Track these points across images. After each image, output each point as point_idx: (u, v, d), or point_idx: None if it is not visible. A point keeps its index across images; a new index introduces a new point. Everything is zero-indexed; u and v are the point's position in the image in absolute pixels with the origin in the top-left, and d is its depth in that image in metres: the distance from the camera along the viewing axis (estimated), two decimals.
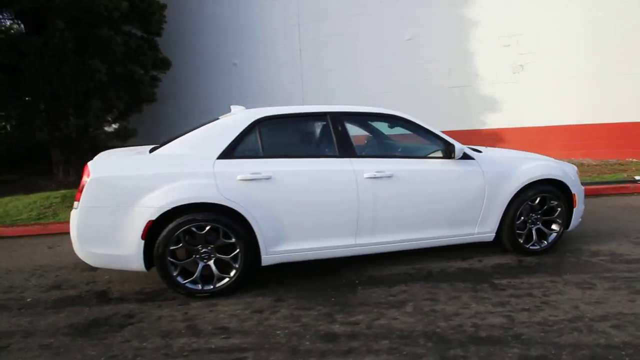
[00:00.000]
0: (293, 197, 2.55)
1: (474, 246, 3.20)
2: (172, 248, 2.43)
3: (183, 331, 2.17)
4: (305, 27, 8.16)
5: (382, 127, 3.35)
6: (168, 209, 2.34)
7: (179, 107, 8.78)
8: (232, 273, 2.53)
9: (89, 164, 2.45)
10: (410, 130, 2.95)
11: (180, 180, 2.41)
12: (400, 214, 2.76)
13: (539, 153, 3.54)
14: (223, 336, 2.11)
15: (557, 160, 3.32)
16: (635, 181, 5.63)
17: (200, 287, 2.51)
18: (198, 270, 2.50)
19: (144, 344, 2.06)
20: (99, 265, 2.58)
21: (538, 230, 3.14)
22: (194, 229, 2.44)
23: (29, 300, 2.64)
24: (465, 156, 2.88)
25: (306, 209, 2.59)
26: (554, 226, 3.16)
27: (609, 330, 2.07)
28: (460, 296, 2.51)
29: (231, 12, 8.44)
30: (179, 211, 2.41)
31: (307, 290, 2.65)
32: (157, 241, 2.40)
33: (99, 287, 2.79)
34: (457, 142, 2.83)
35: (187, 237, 2.45)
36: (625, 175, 6.10)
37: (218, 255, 2.51)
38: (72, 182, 5.93)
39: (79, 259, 3.33)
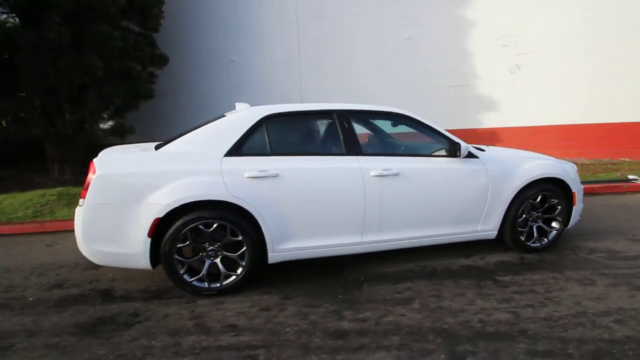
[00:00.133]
0: (300, 195, 2.56)
1: (475, 244, 3.24)
2: (179, 246, 2.41)
3: (191, 329, 2.16)
4: (304, 25, 8.14)
5: (384, 125, 3.36)
6: (176, 206, 2.33)
7: (176, 103, 8.69)
8: (239, 271, 2.53)
9: (95, 161, 2.42)
10: (416, 129, 2.97)
11: (188, 178, 2.39)
12: (406, 212, 2.78)
13: (535, 152, 3.59)
14: (232, 334, 2.11)
15: (557, 159, 3.38)
16: (629, 180, 5.75)
17: (206, 285, 2.50)
18: (205, 268, 2.49)
19: (153, 342, 2.05)
20: (103, 264, 2.55)
21: (539, 228, 3.19)
22: (201, 226, 2.42)
23: (30, 299, 2.60)
24: (470, 155, 2.91)
25: (313, 206, 2.59)
26: (554, 224, 3.22)
27: (612, 325, 2.12)
28: (465, 293, 2.54)
29: (229, 7, 8.38)
30: (185, 209, 2.39)
31: (313, 287, 2.66)
32: (164, 239, 2.38)
33: (103, 286, 2.76)
34: (463, 141, 2.86)
35: (194, 235, 2.43)
36: (618, 174, 6.23)
37: (225, 253, 2.50)
38: (68, 179, 5.84)
39: (80, 257, 3.32)
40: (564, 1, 7.07)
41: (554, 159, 3.36)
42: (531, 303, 2.38)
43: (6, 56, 4.55)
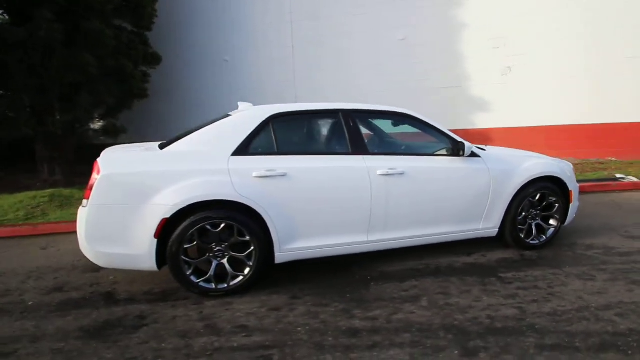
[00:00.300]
0: (308, 194, 2.55)
1: (475, 242, 3.29)
2: (185, 246, 2.38)
3: (202, 331, 2.13)
4: (299, 25, 8.14)
5: (384, 125, 3.39)
6: (183, 206, 2.29)
7: (169, 103, 8.57)
8: (246, 271, 2.51)
9: (99, 160, 2.37)
10: (420, 129, 3.00)
11: (195, 178, 2.36)
12: (411, 211, 2.81)
13: (532, 152, 3.68)
14: (244, 334, 2.09)
15: (554, 158, 3.46)
16: (617, 179, 5.93)
17: (213, 286, 2.47)
18: (212, 268, 2.46)
19: (163, 344, 2.01)
20: (107, 266, 2.49)
21: (537, 226, 3.26)
22: (208, 226, 2.40)
23: (30, 303, 2.52)
24: (472, 154, 2.96)
25: (320, 206, 2.59)
26: (552, 221, 3.30)
27: (614, 319, 2.18)
28: (471, 290, 2.58)
29: (223, 6, 8.31)
30: (192, 209, 2.36)
31: (321, 287, 2.65)
32: (171, 240, 2.34)
33: (104, 289, 2.70)
34: (466, 141, 2.90)
35: (200, 235, 2.40)
36: (606, 173, 6.42)
37: (232, 253, 2.48)
38: (59, 180, 5.69)
39: (77, 260, 3.25)
40: (552, 6, 7.26)
41: (551, 158, 3.44)
42: (535, 299, 2.44)
43: None
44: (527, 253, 3.20)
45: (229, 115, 2.81)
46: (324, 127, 2.93)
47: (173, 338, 2.07)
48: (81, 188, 5.41)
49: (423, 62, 7.93)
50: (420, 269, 2.93)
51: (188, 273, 2.42)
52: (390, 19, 7.89)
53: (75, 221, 4.13)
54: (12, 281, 2.88)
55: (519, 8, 7.41)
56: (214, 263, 2.47)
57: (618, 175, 6.14)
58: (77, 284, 2.79)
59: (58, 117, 5.11)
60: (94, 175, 2.33)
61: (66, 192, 5.09)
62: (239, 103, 3.21)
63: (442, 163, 2.90)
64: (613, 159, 7.33)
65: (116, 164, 2.38)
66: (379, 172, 2.67)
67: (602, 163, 7.18)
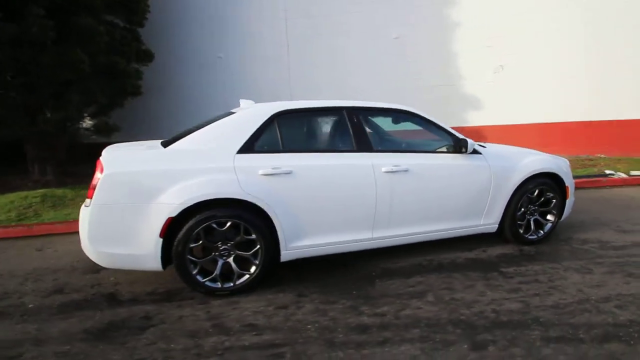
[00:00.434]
0: (314, 192, 2.55)
1: (475, 237, 3.33)
2: (191, 246, 2.35)
3: (210, 330, 2.12)
4: (294, 22, 8.10)
5: (385, 122, 3.40)
6: (190, 204, 2.27)
7: (162, 101, 8.44)
8: (252, 269, 2.50)
9: (102, 159, 2.32)
10: (423, 126, 3.03)
11: (201, 176, 2.34)
12: (414, 207, 2.83)
13: (529, 149, 3.74)
14: (253, 333, 2.08)
15: (551, 155, 3.54)
16: (606, 175, 6.09)
17: (219, 285, 2.45)
18: (218, 267, 2.44)
19: (172, 345, 1.99)
20: (110, 266, 2.44)
21: (536, 221, 3.33)
22: (214, 225, 2.37)
23: (30, 306, 2.46)
24: (474, 151, 3.00)
25: (326, 203, 2.59)
26: (549, 217, 3.37)
27: (614, 310, 2.24)
28: (475, 285, 2.62)
29: (217, 2, 8.21)
30: (197, 208, 2.34)
31: (326, 284, 2.66)
32: (177, 239, 2.31)
33: (106, 290, 2.65)
34: (469, 138, 2.94)
35: (206, 234, 2.38)
36: (595, 169, 6.59)
37: (237, 252, 2.46)
38: (50, 180, 5.55)
39: (76, 261, 3.19)
40: (542, 6, 7.39)
41: (548, 154, 3.51)
42: (537, 292, 2.49)
43: None
44: (526, 248, 3.27)
45: (231, 113, 2.78)
46: (329, 125, 2.93)
47: (182, 338, 2.05)
48: (74, 188, 5.29)
49: (417, 61, 7.98)
50: (424, 265, 2.96)
51: (194, 272, 2.39)
52: (384, 18, 7.91)
53: (71, 222, 4.11)
54: (9, 283, 2.80)
55: (511, 8, 7.51)
56: (220, 262, 2.45)
57: (607, 172, 6.30)
58: (77, 286, 2.74)
59: (49, 115, 4.97)
60: (97, 174, 2.28)
61: (59, 192, 4.97)
62: (241, 100, 3.19)
63: (445, 160, 2.93)
64: (602, 155, 7.51)
65: (120, 162, 2.34)
66: (383, 169, 2.69)
67: (591, 160, 7.35)
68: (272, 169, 2.45)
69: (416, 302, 2.39)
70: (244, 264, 2.50)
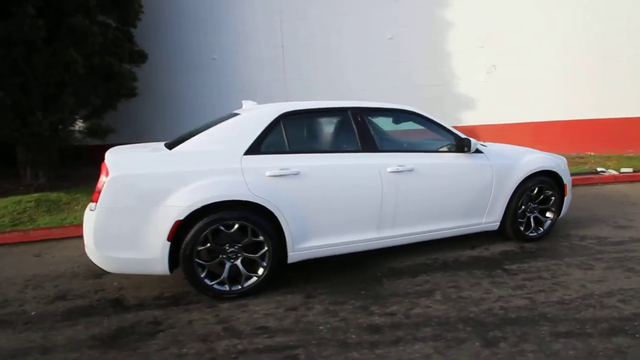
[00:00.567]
0: (321, 193, 2.55)
1: (476, 236, 3.37)
2: (199, 249, 2.33)
3: (222, 333, 2.10)
4: (289, 24, 8.08)
5: (386, 122, 3.42)
6: (198, 207, 2.24)
7: (155, 103, 8.32)
8: (260, 272, 2.48)
9: (107, 162, 2.27)
10: (425, 126, 3.05)
11: (208, 178, 2.31)
12: (419, 207, 2.85)
13: (528, 147, 3.80)
14: (266, 336, 2.07)
15: (549, 153, 3.60)
16: (598, 172, 6.23)
17: (227, 288, 2.43)
18: (225, 270, 2.42)
19: (184, 349, 1.97)
20: (117, 271, 2.40)
21: (535, 219, 3.39)
22: (222, 227, 2.35)
23: (33, 313, 2.40)
24: (476, 150, 3.03)
25: (333, 204, 2.60)
26: (548, 214, 3.43)
27: (618, 305, 2.30)
28: (480, 282, 2.65)
29: (211, 3, 8.13)
30: (205, 210, 2.31)
31: (334, 285, 2.66)
32: (184, 242, 2.29)
33: (111, 295, 2.60)
34: (472, 138, 2.97)
35: (213, 237, 2.36)
36: (587, 167, 6.73)
37: (245, 254, 2.45)
38: (42, 184, 5.42)
39: (77, 267, 3.13)
40: (534, 7, 7.52)
41: (546, 152, 3.57)
42: (542, 288, 2.53)
43: None
44: (527, 245, 3.32)
45: (235, 114, 2.76)
46: (334, 125, 2.93)
47: (193, 342, 2.02)
48: (68, 192, 5.19)
49: (411, 61, 8.04)
50: (429, 264, 2.98)
51: (202, 276, 2.37)
52: (378, 18, 7.95)
53: (67, 226, 4.03)
54: (9, 291, 2.73)
55: (506, 8, 7.63)
56: (227, 265, 2.43)
57: (599, 169, 6.45)
58: (80, 291, 2.68)
59: (41, 118, 4.85)
60: (102, 178, 2.24)
61: (53, 196, 4.86)
62: (243, 101, 3.17)
63: (449, 159, 2.96)
64: (592, 153, 7.68)
65: (126, 165, 2.30)
66: (389, 169, 2.70)
67: (582, 157, 7.51)
68: (280, 170, 2.44)
69: (425, 301, 2.40)
70: (251, 266, 2.49)
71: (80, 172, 6.61)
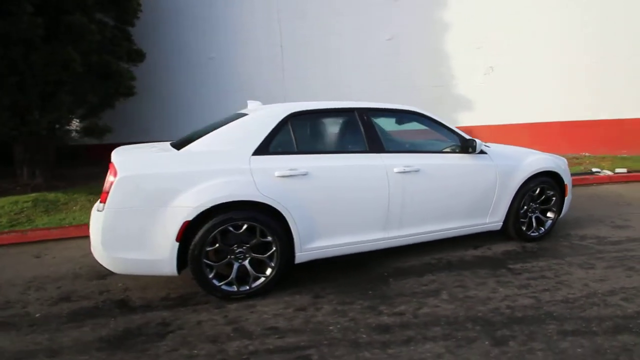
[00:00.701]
0: (329, 193, 2.55)
1: (478, 236, 3.40)
2: (207, 249, 2.32)
3: (232, 334, 2.09)
4: (287, 24, 8.07)
5: (389, 123, 3.43)
6: (207, 207, 2.23)
7: (153, 102, 8.25)
8: (268, 272, 2.48)
9: (115, 162, 2.25)
10: (431, 127, 3.08)
11: (217, 178, 2.30)
12: (425, 207, 2.87)
13: (529, 148, 3.85)
14: (276, 336, 2.07)
15: (550, 154, 3.65)
16: (593, 173, 6.34)
17: (235, 288, 2.42)
18: (234, 271, 2.41)
19: (195, 351, 1.96)
20: (124, 272, 2.38)
21: (537, 218, 3.43)
22: (230, 228, 2.34)
23: (37, 315, 2.36)
24: (480, 151, 3.06)
25: (341, 204, 2.60)
26: (549, 214, 3.48)
27: (621, 303, 2.34)
28: (486, 282, 2.68)
29: (210, 2, 8.08)
30: (214, 210, 2.30)
31: (341, 285, 2.67)
32: (193, 242, 2.27)
33: (116, 296, 2.58)
34: (476, 139, 3.00)
35: (221, 237, 2.35)
36: (582, 167, 6.84)
37: (253, 254, 2.44)
38: (39, 184, 5.34)
39: (78, 268, 3.09)
40: (528, 9, 7.62)
41: (547, 153, 3.62)
42: (546, 288, 2.57)
43: None
44: (528, 245, 3.36)
45: (241, 114, 2.75)
46: (341, 126, 2.94)
47: (204, 344, 2.01)
48: (66, 192, 5.12)
49: (410, 62, 8.09)
50: (434, 264, 3.01)
51: (210, 276, 2.36)
52: (377, 19, 7.98)
53: (67, 227, 3.98)
54: (10, 292, 2.69)
55: (505, 9, 7.71)
56: (236, 265, 2.42)
57: (594, 169, 6.55)
58: (84, 293, 2.65)
59: (39, 116, 4.77)
60: (110, 178, 2.22)
61: (50, 196, 4.79)
62: (249, 101, 3.17)
63: (454, 160, 2.98)
64: (587, 154, 7.80)
65: (134, 165, 2.27)
66: (395, 170, 2.72)
67: (577, 158, 7.62)
68: (289, 170, 2.44)
69: (432, 301, 2.42)
70: (259, 266, 2.48)
71: (77, 172, 6.53)
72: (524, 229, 3.36)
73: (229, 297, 2.43)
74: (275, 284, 2.53)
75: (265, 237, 2.43)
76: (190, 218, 2.23)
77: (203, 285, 2.37)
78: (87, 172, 6.53)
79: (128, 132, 7.55)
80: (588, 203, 4.80)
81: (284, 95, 8.23)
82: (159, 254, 2.25)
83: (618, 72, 7.47)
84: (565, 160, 3.71)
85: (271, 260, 2.47)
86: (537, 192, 3.36)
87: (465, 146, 2.99)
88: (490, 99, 8.03)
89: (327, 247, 2.64)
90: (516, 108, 7.93)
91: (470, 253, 3.21)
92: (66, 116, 5.20)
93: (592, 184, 5.96)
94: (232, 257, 2.41)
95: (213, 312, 2.33)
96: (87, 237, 3.77)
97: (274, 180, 2.41)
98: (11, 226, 4.00)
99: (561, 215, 3.58)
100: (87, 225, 3.94)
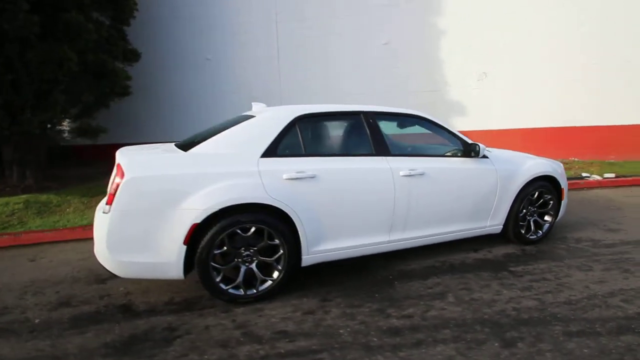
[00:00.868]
0: (336, 196, 2.55)
1: (477, 239, 3.46)
2: (215, 252, 2.29)
3: (241, 339, 2.07)
4: (284, 25, 8.07)
5: (391, 126, 3.46)
6: (215, 210, 2.20)
7: (148, 102, 8.13)
8: (275, 275, 2.46)
9: (122, 163, 2.20)
10: (435, 132, 3.12)
11: (225, 180, 2.28)
12: (429, 210, 2.90)
13: (527, 153, 3.94)
14: (287, 340, 2.05)
15: (548, 159, 3.74)
16: (583, 177, 6.50)
17: (242, 292, 2.40)
18: (241, 274, 2.39)
19: (205, 356, 1.93)
20: (129, 276, 2.32)
21: (535, 222, 3.50)
22: (238, 230, 2.32)
23: (37, 321, 2.29)
24: (482, 155, 3.11)
25: (347, 207, 2.60)
26: (547, 217, 3.55)
27: (622, 304, 2.40)
28: (490, 284, 2.71)
29: (206, 2, 8.03)
30: (222, 213, 2.28)
31: (348, 288, 2.67)
32: (201, 245, 2.24)
33: (118, 301, 2.52)
34: (480, 143, 3.05)
35: (229, 240, 2.32)
36: (572, 172, 7.01)
37: (260, 257, 2.42)
38: (30, 185, 5.19)
39: (76, 271, 3.02)
40: (523, 16, 7.81)
41: (545, 158, 3.71)
42: (549, 290, 2.62)
43: None
44: (527, 248, 3.43)
45: (248, 117, 2.74)
46: (347, 129, 2.95)
47: (213, 349, 1.98)
48: (58, 193, 4.99)
49: (405, 66, 8.18)
50: (437, 266, 3.03)
51: (217, 280, 2.33)
52: (374, 23, 8.06)
53: (61, 229, 3.87)
54: (7, 297, 2.60)
55: (498, 16, 7.88)
56: (243, 268, 2.40)
57: (583, 174, 6.73)
58: (84, 297, 2.58)
59: (31, 116, 4.65)
60: (117, 179, 2.17)
61: (42, 197, 4.67)
62: (253, 103, 3.15)
63: (457, 164, 3.02)
64: (576, 159, 8.01)
65: (142, 167, 2.23)
66: (401, 173, 2.74)
67: (566, 163, 7.80)
68: (297, 173, 2.43)
69: (439, 303, 2.44)
70: (266, 269, 2.46)
71: (69, 173, 6.38)
72: (523, 232, 3.42)
73: (235, 300, 2.40)
74: (283, 287, 2.52)
75: (273, 240, 2.41)
76: (198, 221, 2.20)
77: (210, 288, 2.34)
78: (80, 173, 6.39)
79: (122, 132, 7.42)
80: (580, 207, 4.92)
81: (280, 97, 8.23)
82: (165, 257, 2.21)
83: (617, 73, 7.66)
84: (562, 164, 3.79)
85: (278, 263, 2.46)
86: (536, 195, 3.43)
87: (468, 150, 3.04)
88: (484, 104, 8.17)
89: (334, 250, 2.64)
90: (510, 113, 8.09)
91: (472, 256, 3.25)
92: (59, 116, 5.08)
93: (582, 189, 6.12)
94: (240, 260, 2.39)
95: (220, 316, 2.30)
96: (83, 239, 3.75)
97: (282, 183, 2.40)
98: (3, 229, 3.87)
99: (558, 219, 3.66)
100: (82, 227, 3.87)
